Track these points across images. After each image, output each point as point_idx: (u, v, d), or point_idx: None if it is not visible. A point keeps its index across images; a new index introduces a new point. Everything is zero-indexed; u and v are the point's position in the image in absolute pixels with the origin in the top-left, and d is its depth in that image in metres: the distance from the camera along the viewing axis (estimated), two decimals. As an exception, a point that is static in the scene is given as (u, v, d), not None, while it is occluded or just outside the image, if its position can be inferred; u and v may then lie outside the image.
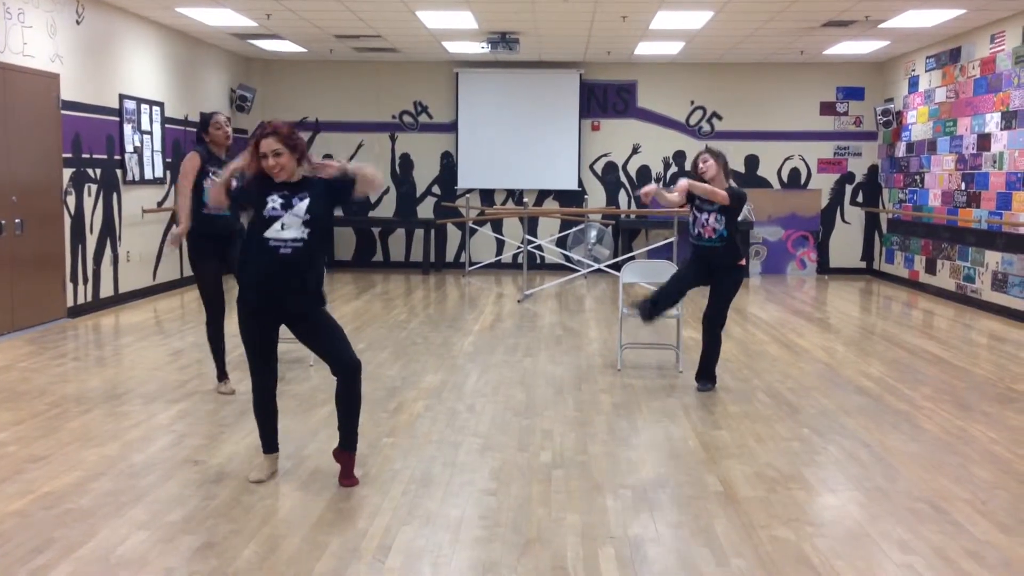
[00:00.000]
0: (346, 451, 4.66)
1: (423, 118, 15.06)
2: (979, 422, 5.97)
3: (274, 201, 4.39)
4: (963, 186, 11.77)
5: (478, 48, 12.88)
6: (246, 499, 4.41)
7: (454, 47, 13.24)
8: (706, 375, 6.84)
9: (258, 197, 4.42)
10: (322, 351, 4.61)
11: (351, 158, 14.99)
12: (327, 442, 5.34)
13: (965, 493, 4.61)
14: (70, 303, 9.68)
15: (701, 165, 6.65)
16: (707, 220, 6.66)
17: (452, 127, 14.96)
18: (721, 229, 6.63)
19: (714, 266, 6.69)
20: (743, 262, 6.79)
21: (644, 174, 14.96)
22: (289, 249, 4.37)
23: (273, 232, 4.37)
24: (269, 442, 4.76)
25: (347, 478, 4.62)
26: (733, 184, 6.72)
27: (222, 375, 6.55)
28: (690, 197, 6.73)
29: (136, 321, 9.67)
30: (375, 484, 4.64)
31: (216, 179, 6.17)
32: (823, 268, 15.04)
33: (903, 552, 3.88)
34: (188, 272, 12.50)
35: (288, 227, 4.36)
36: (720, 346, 6.83)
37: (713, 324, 6.73)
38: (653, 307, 6.84)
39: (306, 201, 4.39)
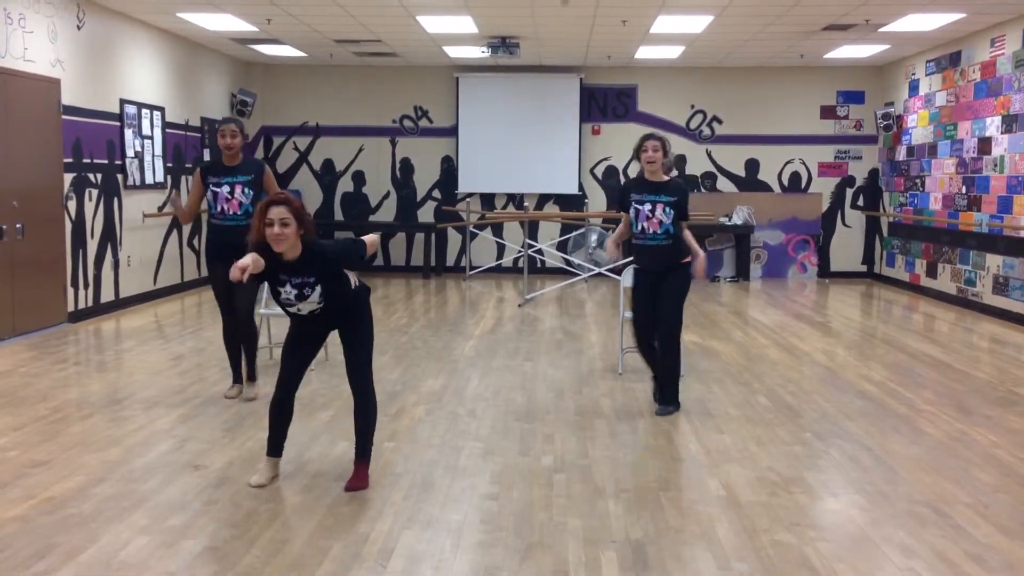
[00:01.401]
0: (357, 458, 4.74)
1: (423, 122, 15.07)
2: (980, 425, 5.96)
3: (287, 292, 4.49)
4: (964, 190, 11.77)
5: (478, 52, 12.89)
6: (247, 504, 4.40)
7: (454, 51, 13.25)
8: (669, 396, 6.19)
9: (271, 280, 4.51)
10: (347, 365, 4.74)
11: (350, 164, 15.03)
12: (328, 446, 5.34)
13: (967, 496, 4.61)
14: (71, 308, 9.68)
15: (651, 153, 6.06)
16: (652, 212, 6.04)
17: (452, 131, 14.97)
18: (668, 223, 6.04)
19: (661, 268, 6.09)
20: (688, 259, 6.15)
21: (644, 178, 14.93)
22: (307, 313, 4.57)
23: (293, 309, 4.56)
24: (275, 445, 4.75)
25: (352, 482, 4.63)
26: (676, 176, 6.22)
27: (237, 378, 6.52)
28: (624, 195, 6.21)
29: (137, 326, 9.67)
30: (376, 488, 4.64)
31: (216, 190, 6.22)
32: (824, 272, 15.04)
33: (905, 556, 3.88)
34: (189, 276, 12.52)
35: (303, 311, 4.56)
36: (680, 358, 6.23)
37: (671, 330, 6.08)
38: (648, 352, 6.27)
39: (318, 289, 4.48)
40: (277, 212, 4.35)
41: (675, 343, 6.10)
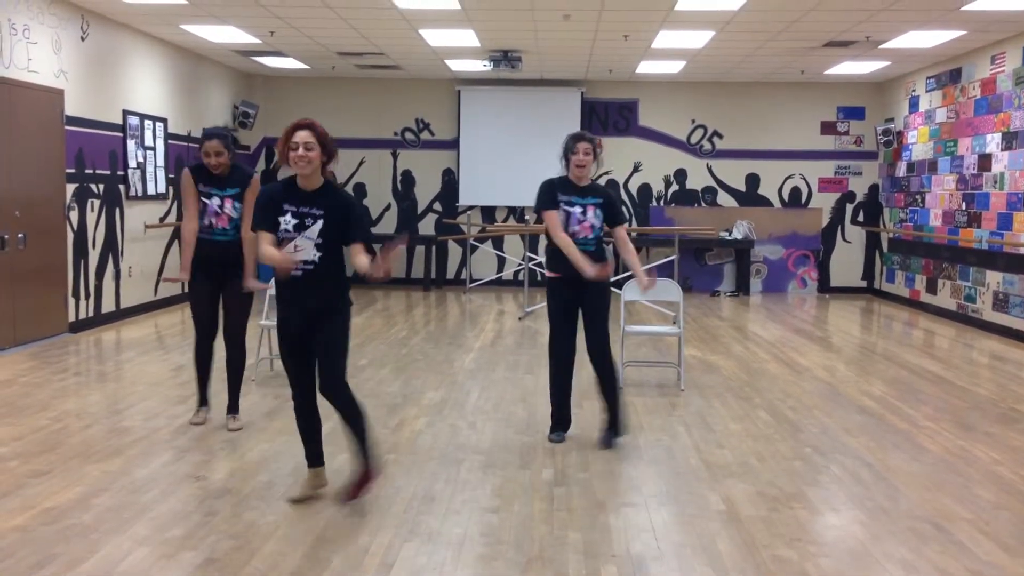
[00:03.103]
0: (358, 466, 4.56)
1: (425, 135, 15.11)
2: (981, 442, 5.96)
3: (287, 221, 4.38)
4: (964, 206, 11.79)
5: (480, 66, 12.94)
6: (247, 515, 4.40)
7: (456, 65, 13.30)
8: (618, 421, 5.70)
9: (273, 212, 4.41)
10: (321, 375, 4.50)
11: (352, 176, 15.05)
12: (328, 458, 5.31)
13: (968, 513, 4.61)
14: (72, 318, 9.68)
15: (582, 156, 5.55)
16: (584, 214, 5.57)
17: (454, 144, 15.01)
18: (598, 228, 5.61)
19: (585, 280, 5.50)
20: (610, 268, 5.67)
21: (645, 192, 14.99)
22: (299, 271, 4.37)
23: (290, 251, 4.34)
24: (312, 454, 4.69)
25: (349, 490, 4.56)
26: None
27: (202, 401, 6.11)
28: (550, 195, 5.63)
29: (137, 336, 9.67)
30: (377, 501, 4.63)
31: (206, 200, 5.80)
32: (824, 287, 15.05)
33: (906, 572, 3.87)
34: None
35: (300, 249, 4.35)
36: (618, 377, 5.82)
37: (603, 347, 5.64)
38: (564, 382, 5.82)
39: (319, 224, 4.37)
40: (302, 136, 4.37)
41: (608, 360, 5.69)
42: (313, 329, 4.46)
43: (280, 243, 4.38)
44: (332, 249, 4.42)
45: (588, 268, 5.37)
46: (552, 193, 5.66)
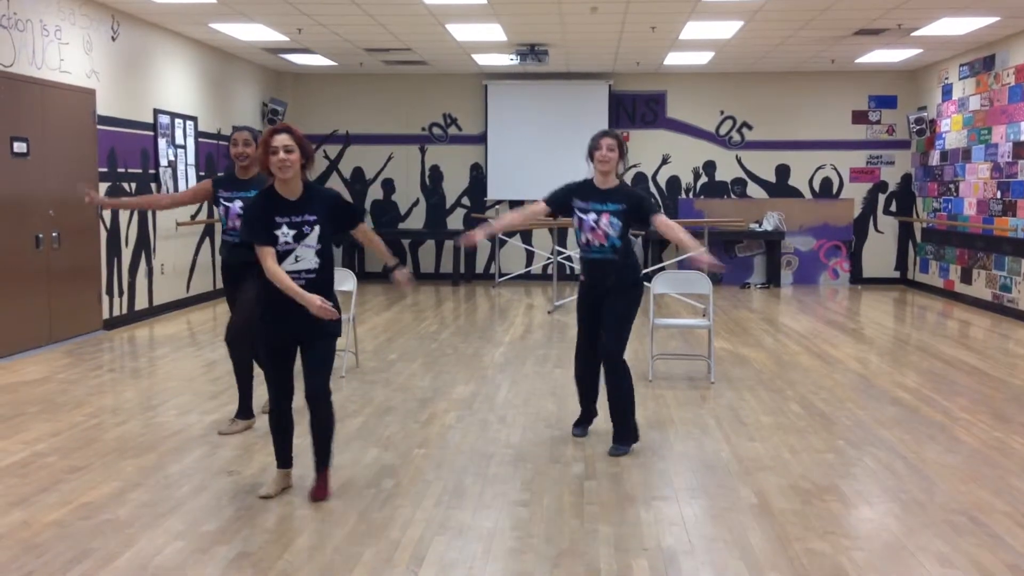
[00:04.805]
0: (317, 469, 4.62)
1: (452, 130, 15.13)
2: (1018, 433, 5.88)
3: (284, 233, 4.38)
4: (999, 195, 11.63)
5: (507, 60, 12.92)
6: (280, 509, 4.43)
7: (483, 59, 13.29)
8: (624, 432, 5.46)
9: (271, 225, 4.37)
10: (305, 369, 4.50)
11: (380, 171, 15.11)
12: (359, 452, 5.36)
13: (1004, 505, 4.54)
14: (106, 315, 9.80)
15: (605, 152, 5.32)
16: (596, 222, 5.35)
17: (481, 139, 15.01)
18: (615, 236, 5.34)
19: (606, 284, 5.41)
20: (637, 281, 5.46)
21: (674, 185, 14.92)
22: (303, 281, 4.39)
23: (288, 265, 4.38)
24: (280, 458, 4.71)
25: (315, 492, 4.57)
26: (625, 182, 5.55)
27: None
28: (566, 198, 5.49)
29: (170, 333, 9.77)
30: (407, 495, 4.65)
31: (228, 204, 5.76)
32: (856, 278, 14.90)
33: (942, 566, 3.83)
34: (221, 284, 12.61)
35: (302, 259, 4.40)
36: (631, 383, 5.49)
37: (613, 356, 5.41)
38: (588, 382, 5.75)
39: (316, 230, 4.42)
40: (281, 139, 4.35)
41: (618, 368, 5.42)
42: (308, 337, 4.47)
43: (281, 256, 4.38)
44: (327, 254, 4.48)
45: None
46: (566, 196, 5.50)
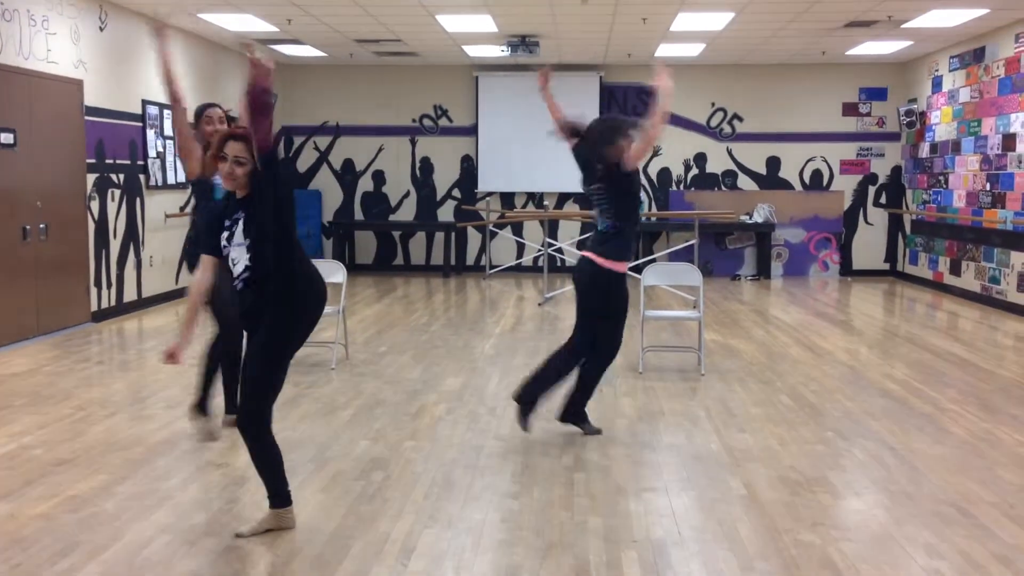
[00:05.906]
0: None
1: (443, 121, 15.09)
2: (1006, 425, 5.90)
3: (225, 237, 3.90)
4: (988, 187, 11.65)
5: (498, 51, 12.89)
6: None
7: (474, 51, 13.26)
8: (576, 410, 5.61)
9: (218, 232, 3.93)
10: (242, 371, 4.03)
11: (370, 163, 15.07)
12: (348, 445, 5.35)
13: (992, 496, 4.56)
14: (94, 307, 9.75)
15: (623, 142, 5.35)
16: (598, 204, 5.43)
17: (472, 130, 14.97)
18: (608, 222, 5.36)
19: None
20: (614, 265, 5.35)
21: (665, 176, 14.91)
22: (240, 283, 3.92)
23: (235, 272, 3.91)
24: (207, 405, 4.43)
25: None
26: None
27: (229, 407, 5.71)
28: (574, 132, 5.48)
29: (159, 325, 9.73)
30: (397, 487, 4.64)
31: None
32: (846, 270, 14.93)
33: (930, 556, 3.84)
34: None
35: (238, 261, 3.88)
36: (560, 372, 5.55)
37: (601, 355, 5.59)
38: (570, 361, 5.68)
39: (240, 223, 3.85)
40: (233, 148, 3.79)
41: (604, 366, 5.69)
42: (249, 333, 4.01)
43: (231, 265, 3.93)
44: (261, 249, 3.83)
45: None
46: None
